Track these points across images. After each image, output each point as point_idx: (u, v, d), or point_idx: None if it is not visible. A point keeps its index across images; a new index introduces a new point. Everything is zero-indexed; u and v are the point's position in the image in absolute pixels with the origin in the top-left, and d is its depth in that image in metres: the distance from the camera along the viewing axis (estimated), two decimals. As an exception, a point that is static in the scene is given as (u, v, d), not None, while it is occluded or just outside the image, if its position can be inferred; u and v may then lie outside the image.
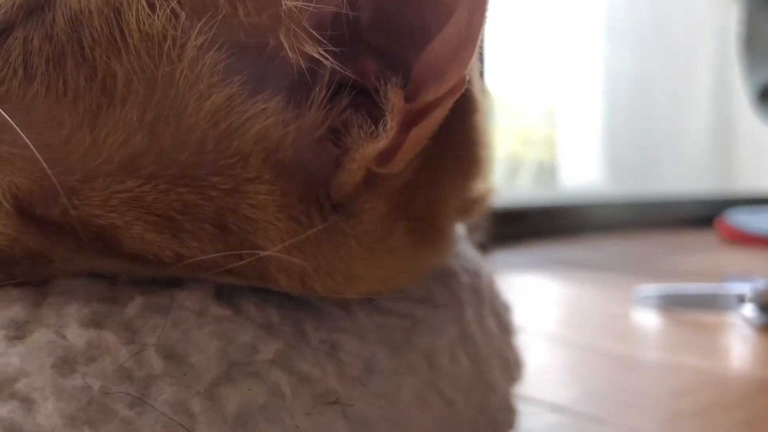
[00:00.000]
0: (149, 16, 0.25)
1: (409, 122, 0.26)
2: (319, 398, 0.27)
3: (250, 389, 0.25)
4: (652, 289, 0.90)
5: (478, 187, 0.36)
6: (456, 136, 0.30)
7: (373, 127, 0.26)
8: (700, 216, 1.99)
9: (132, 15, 0.25)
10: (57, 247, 0.26)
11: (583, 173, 2.16)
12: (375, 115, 0.26)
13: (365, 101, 0.26)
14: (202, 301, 0.27)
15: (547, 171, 2.07)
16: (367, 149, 0.26)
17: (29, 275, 0.26)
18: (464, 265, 0.38)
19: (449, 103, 0.26)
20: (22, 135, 0.24)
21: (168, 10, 0.25)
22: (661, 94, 2.31)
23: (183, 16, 0.25)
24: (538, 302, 1.00)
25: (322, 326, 0.29)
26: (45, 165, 0.24)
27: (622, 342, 0.76)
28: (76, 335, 0.24)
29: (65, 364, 0.23)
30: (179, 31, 0.25)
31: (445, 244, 0.33)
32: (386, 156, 0.26)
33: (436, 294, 0.35)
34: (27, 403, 0.22)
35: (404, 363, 0.31)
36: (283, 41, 0.25)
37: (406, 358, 0.31)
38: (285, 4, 0.24)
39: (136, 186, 0.25)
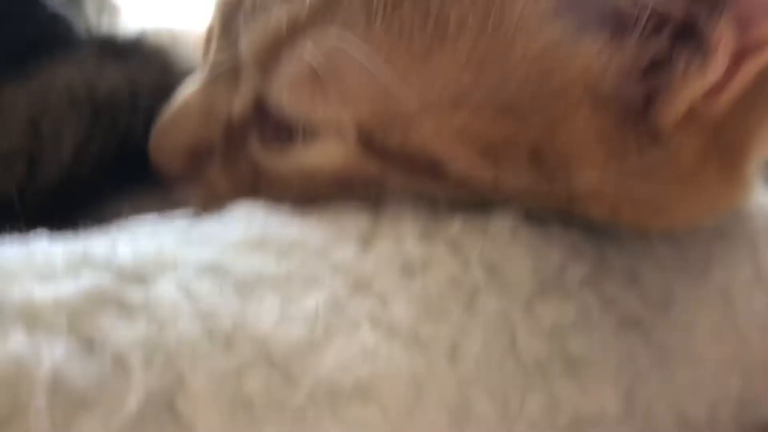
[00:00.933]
0: None
1: (737, 58, 0.26)
2: (623, 321, 0.28)
3: (561, 306, 0.27)
4: None
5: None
6: None
7: (702, 62, 0.26)
8: None
9: None
10: (390, 172, 0.29)
11: None
12: (697, 50, 0.26)
13: (681, 38, 0.27)
14: (515, 222, 0.29)
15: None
16: (695, 85, 0.26)
17: (363, 195, 0.30)
18: (759, 206, 0.37)
19: None
20: (384, 68, 0.27)
21: None
22: None
23: None
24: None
25: (622, 253, 0.30)
26: (398, 92, 0.27)
27: None
28: (413, 246, 0.27)
29: (407, 270, 0.26)
30: None
31: (749, 183, 0.32)
32: (712, 92, 0.27)
33: (731, 232, 0.34)
34: (382, 300, 0.25)
35: (701, 296, 0.31)
36: None
37: (702, 291, 0.31)
38: None
39: (463, 118, 0.28)
